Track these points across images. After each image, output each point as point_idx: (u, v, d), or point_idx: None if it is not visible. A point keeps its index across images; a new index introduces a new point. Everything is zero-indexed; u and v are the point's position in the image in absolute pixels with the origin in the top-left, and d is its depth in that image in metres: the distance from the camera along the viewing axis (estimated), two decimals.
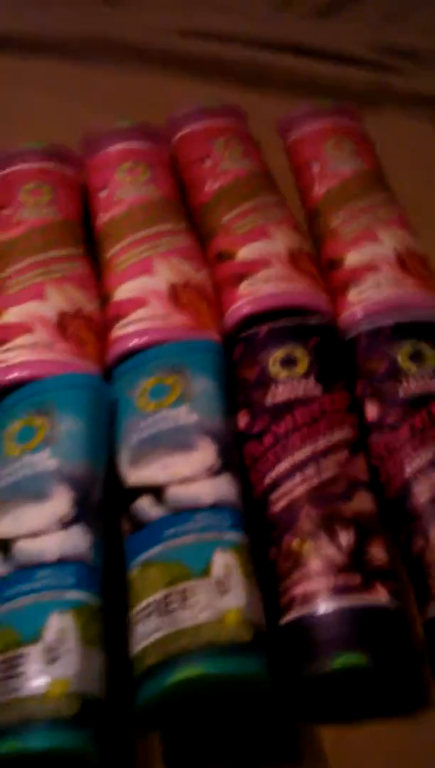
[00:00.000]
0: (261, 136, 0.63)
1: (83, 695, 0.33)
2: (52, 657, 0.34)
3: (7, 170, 0.58)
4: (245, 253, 0.53)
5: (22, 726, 0.32)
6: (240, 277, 0.51)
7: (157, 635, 0.35)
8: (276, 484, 0.42)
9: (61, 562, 0.37)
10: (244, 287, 0.51)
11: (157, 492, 0.40)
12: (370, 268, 0.52)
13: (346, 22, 0.75)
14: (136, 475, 0.41)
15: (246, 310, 0.50)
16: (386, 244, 0.53)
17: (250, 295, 0.50)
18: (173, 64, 0.69)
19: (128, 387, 0.45)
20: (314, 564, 0.39)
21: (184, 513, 0.39)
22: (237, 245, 0.53)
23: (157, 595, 0.36)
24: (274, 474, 0.43)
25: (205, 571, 0.37)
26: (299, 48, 0.69)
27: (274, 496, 0.42)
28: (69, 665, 0.34)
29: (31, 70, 0.70)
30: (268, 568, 0.40)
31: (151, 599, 0.36)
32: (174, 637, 0.35)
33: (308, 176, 0.60)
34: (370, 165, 0.60)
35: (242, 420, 0.46)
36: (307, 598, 0.38)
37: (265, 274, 0.51)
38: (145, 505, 0.40)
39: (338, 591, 0.38)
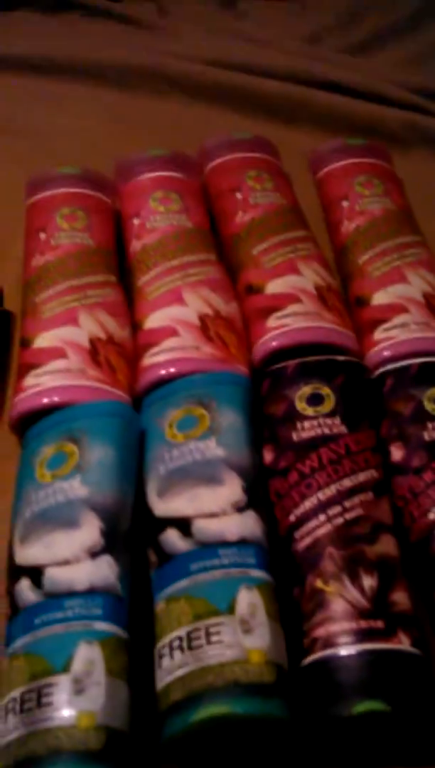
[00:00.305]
0: (293, 170, 0.64)
1: (109, 728, 0.33)
2: (79, 688, 0.34)
3: (44, 194, 0.58)
4: (274, 286, 0.53)
5: (49, 758, 0.32)
6: (269, 311, 0.52)
7: (182, 671, 0.35)
8: (300, 522, 0.43)
9: (90, 593, 0.37)
10: (272, 321, 0.51)
11: (184, 525, 0.40)
12: (397, 308, 0.53)
13: (378, 60, 0.76)
14: (163, 506, 0.42)
15: (275, 344, 0.50)
16: (414, 286, 0.54)
17: (279, 329, 0.51)
18: (210, 95, 0.70)
19: (157, 416, 0.46)
20: (337, 606, 0.39)
21: (210, 548, 0.39)
22: (266, 278, 0.54)
23: (182, 631, 0.37)
24: (298, 512, 0.43)
25: (230, 609, 0.37)
26: (333, 84, 0.69)
27: (298, 534, 0.42)
28: (96, 698, 0.34)
29: (71, 94, 0.70)
30: (292, 607, 0.40)
31: (175, 634, 0.37)
32: (199, 674, 0.35)
33: (337, 213, 0.61)
34: (400, 205, 0.61)
35: (268, 455, 0.46)
36: (330, 641, 0.38)
37: (294, 308, 0.52)
38: (172, 538, 0.40)
39: (361, 635, 0.38)
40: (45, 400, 0.46)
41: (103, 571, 0.38)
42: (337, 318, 0.52)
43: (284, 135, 0.67)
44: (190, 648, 0.36)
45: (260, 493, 0.43)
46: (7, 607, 0.38)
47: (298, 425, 0.46)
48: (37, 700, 0.34)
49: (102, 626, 0.36)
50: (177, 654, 0.36)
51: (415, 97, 0.70)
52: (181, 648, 0.36)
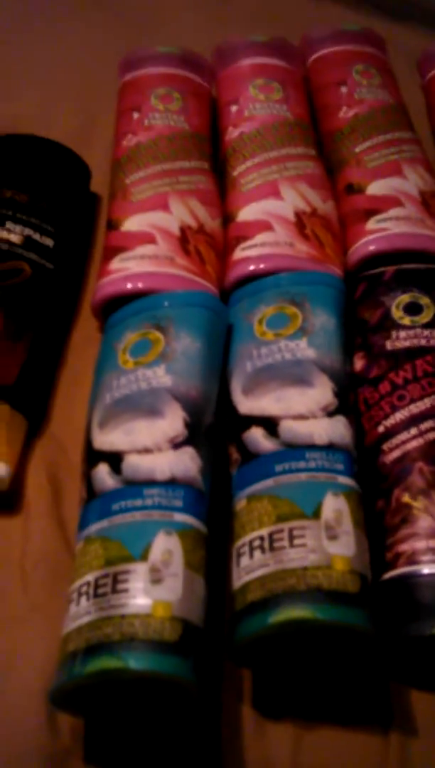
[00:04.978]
0: (400, 71, 0.60)
1: (185, 621, 0.32)
2: (156, 577, 0.32)
3: (139, 72, 0.56)
4: (376, 188, 0.50)
5: (123, 644, 0.31)
6: (368, 213, 0.49)
7: (262, 571, 0.34)
8: (390, 433, 0.40)
9: (171, 483, 0.35)
10: (372, 224, 0.48)
11: (270, 424, 0.38)
12: None
13: None
14: (249, 404, 0.40)
15: (373, 248, 0.47)
16: None
17: (379, 233, 0.48)
18: None
19: (246, 312, 0.44)
20: (424, 523, 0.37)
21: (297, 450, 0.37)
22: (368, 179, 0.51)
23: (264, 531, 0.35)
24: (388, 423, 0.41)
25: (315, 513, 0.35)
26: None
27: (386, 446, 0.40)
28: (173, 589, 0.32)
29: None
30: (374, 519, 0.39)
31: (257, 534, 0.35)
32: (280, 576, 0.33)
33: None
34: None
35: (358, 363, 0.44)
36: (414, 557, 0.37)
37: (396, 212, 0.49)
38: (257, 436, 0.38)
39: None
40: (129, 285, 0.44)
41: (185, 462, 0.36)
42: None
43: (396, 33, 0.63)
44: (271, 549, 0.34)
45: (350, 399, 0.41)
46: (84, 490, 0.37)
47: (394, 334, 0.44)
48: (112, 585, 0.32)
49: (182, 518, 0.34)
50: (257, 554, 0.34)
51: None
52: (262, 548, 0.34)
